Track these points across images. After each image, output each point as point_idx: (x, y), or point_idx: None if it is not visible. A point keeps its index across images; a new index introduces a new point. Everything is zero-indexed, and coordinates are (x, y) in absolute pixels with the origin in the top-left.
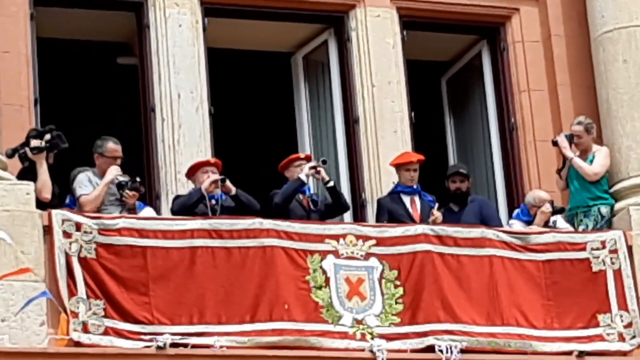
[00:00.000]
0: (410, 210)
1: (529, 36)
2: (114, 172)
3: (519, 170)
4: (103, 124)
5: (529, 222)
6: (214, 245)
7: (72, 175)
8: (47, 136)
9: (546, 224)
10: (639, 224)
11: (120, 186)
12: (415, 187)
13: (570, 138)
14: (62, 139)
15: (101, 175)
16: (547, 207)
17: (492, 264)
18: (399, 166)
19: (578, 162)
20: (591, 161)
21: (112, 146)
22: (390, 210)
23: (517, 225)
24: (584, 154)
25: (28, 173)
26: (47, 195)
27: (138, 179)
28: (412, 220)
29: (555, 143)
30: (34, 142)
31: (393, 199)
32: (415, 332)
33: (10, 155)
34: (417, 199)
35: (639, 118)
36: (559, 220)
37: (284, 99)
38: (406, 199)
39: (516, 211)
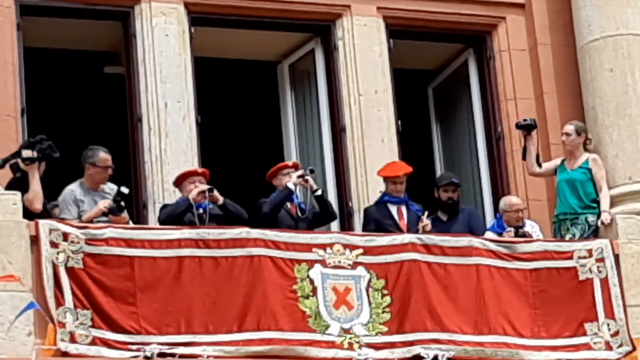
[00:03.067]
0: (397, 219)
1: (515, 45)
2: (101, 206)
3: (506, 178)
4: (91, 133)
5: (501, 234)
6: (201, 255)
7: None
8: (39, 146)
9: (519, 229)
10: (626, 232)
11: (112, 211)
12: (402, 196)
13: (529, 126)
14: (54, 149)
15: (89, 186)
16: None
17: (479, 273)
18: (386, 178)
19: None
20: (585, 167)
21: (104, 156)
22: (377, 220)
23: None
24: (571, 156)
25: (19, 183)
26: (38, 205)
27: (123, 191)
28: (399, 230)
29: (520, 126)
30: (26, 153)
31: (380, 208)
32: (403, 341)
33: (1, 166)
34: (404, 208)
35: (625, 126)
36: (528, 224)
37: (270, 107)
38: (393, 209)
39: (492, 222)
